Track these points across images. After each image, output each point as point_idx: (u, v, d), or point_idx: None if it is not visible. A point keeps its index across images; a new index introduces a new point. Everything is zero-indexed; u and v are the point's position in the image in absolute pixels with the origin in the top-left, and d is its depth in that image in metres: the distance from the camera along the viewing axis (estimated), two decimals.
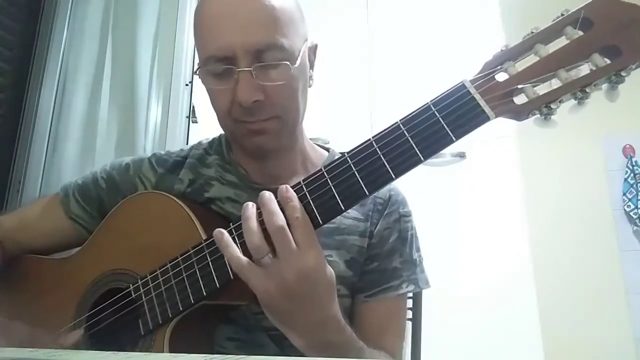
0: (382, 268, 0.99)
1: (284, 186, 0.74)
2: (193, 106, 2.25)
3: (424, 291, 1.42)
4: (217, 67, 0.86)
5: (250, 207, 0.74)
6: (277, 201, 0.73)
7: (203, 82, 0.91)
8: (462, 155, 2.32)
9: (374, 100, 2.51)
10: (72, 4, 2.49)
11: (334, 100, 2.47)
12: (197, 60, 0.97)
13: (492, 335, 2.08)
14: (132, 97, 2.31)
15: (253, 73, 0.83)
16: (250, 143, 0.92)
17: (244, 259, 0.72)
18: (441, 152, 2.06)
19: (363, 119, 2.47)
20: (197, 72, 0.91)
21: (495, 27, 2.38)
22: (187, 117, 2.26)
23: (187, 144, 2.18)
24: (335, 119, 2.32)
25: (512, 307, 2.15)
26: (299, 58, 0.89)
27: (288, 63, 0.86)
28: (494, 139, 2.31)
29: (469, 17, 2.46)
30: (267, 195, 0.74)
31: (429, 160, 2.04)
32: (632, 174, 2.57)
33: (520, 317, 2.14)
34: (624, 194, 2.57)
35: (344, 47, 2.60)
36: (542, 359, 2.10)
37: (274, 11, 0.86)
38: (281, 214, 0.71)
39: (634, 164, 2.58)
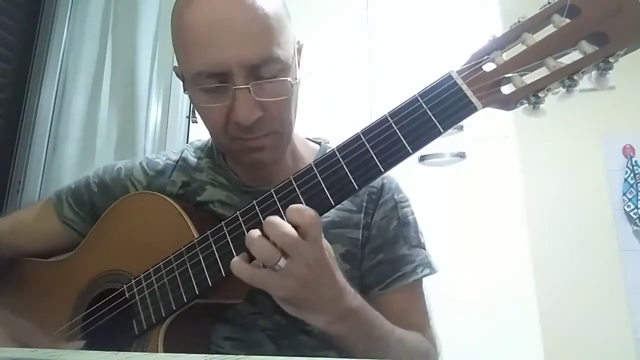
0: (389, 258, 0.97)
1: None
2: (193, 106, 2.25)
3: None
4: (209, 83, 0.81)
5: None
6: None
7: (192, 98, 0.87)
8: (462, 155, 2.31)
9: (374, 100, 2.51)
10: (72, 4, 2.50)
11: (334, 100, 2.47)
12: None
13: (492, 335, 2.07)
14: (132, 97, 2.32)
15: (251, 90, 0.79)
16: (248, 159, 0.89)
17: (253, 267, 0.71)
18: (441, 152, 2.06)
19: (363, 118, 2.46)
20: (187, 91, 0.86)
21: (495, 27, 2.38)
22: (187, 117, 2.27)
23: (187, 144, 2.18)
24: (335, 119, 2.32)
25: (512, 307, 2.14)
26: (294, 67, 0.88)
27: (289, 79, 0.84)
28: (494, 139, 2.30)
29: (469, 17, 2.46)
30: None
31: (429, 160, 2.04)
32: (632, 174, 2.56)
33: (520, 317, 2.13)
34: (624, 194, 2.56)
35: (344, 47, 2.60)
36: (542, 359, 2.09)
37: (269, 20, 0.81)
38: (285, 225, 0.69)
39: (634, 164, 2.57)
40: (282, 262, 0.69)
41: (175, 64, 0.94)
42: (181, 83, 0.93)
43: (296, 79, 0.88)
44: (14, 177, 2.29)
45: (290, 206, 0.70)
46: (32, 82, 2.40)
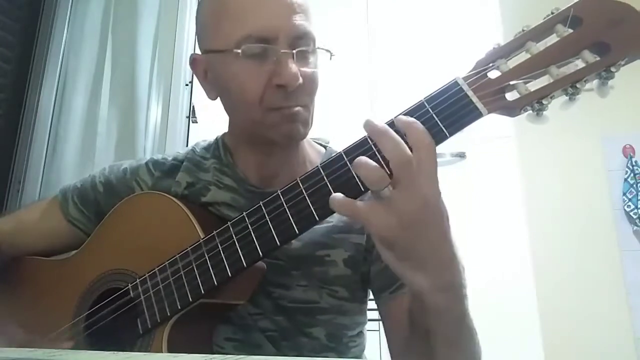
0: None
1: (401, 116, 0.69)
2: (193, 106, 2.25)
3: None
4: (254, 47, 0.83)
5: (377, 123, 0.69)
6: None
7: (231, 66, 0.86)
8: (462, 155, 2.32)
9: (374, 100, 2.52)
10: (72, 4, 2.50)
11: (334, 100, 2.47)
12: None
13: (492, 334, 2.07)
14: (132, 97, 2.32)
15: (294, 56, 0.84)
16: (281, 131, 0.88)
17: (353, 200, 0.67)
18: (441, 152, 2.07)
19: (363, 118, 2.47)
20: (236, 50, 0.84)
21: (495, 27, 2.38)
22: (187, 117, 2.26)
23: (187, 144, 2.18)
24: (335, 119, 2.32)
25: (512, 306, 2.15)
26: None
27: (329, 50, 0.90)
28: (494, 139, 2.31)
29: (469, 17, 2.47)
30: (381, 126, 0.68)
31: None
32: (632, 174, 2.56)
33: (520, 316, 2.14)
34: (624, 194, 2.56)
35: (344, 47, 2.60)
36: (542, 359, 2.10)
37: (306, 0, 0.88)
38: (405, 144, 0.65)
39: (634, 164, 2.57)
40: (388, 192, 0.65)
41: (190, 53, 0.96)
42: (181, 83, 0.94)
43: (333, 54, 0.92)
44: (14, 177, 2.30)
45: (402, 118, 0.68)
46: (32, 82, 2.40)
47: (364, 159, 0.66)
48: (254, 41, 0.83)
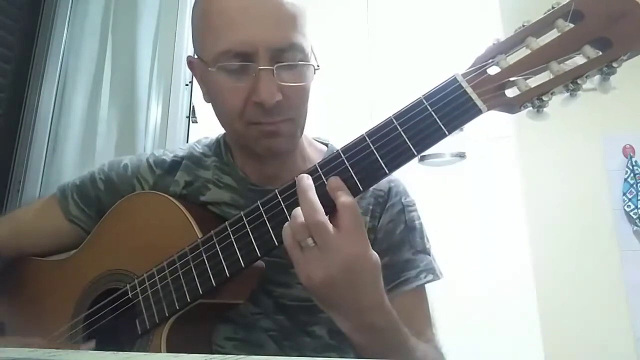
0: (393, 262, 0.95)
1: (333, 178, 0.72)
2: (193, 106, 2.24)
3: None
4: (233, 62, 0.82)
5: (305, 180, 0.71)
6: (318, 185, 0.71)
7: (213, 79, 0.86)
8: (462, 155, 2.32)
9: (374, 100, 2.51)
10: (72, 4, 2.49)
11: (334, 100, 2.47)
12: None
13: (492, 335, 2.08)
14: (132, 97, 2.31)
15: (274, 72, 0.81)
16: (262, 145, 0.89)
17: (295, 243, 0.69)
18: (441, 152, 2.07)
19: (363, 118, 2.48)
20: (211, 68, 0.85)
21: (495, 27, 2.38)
22: (187, 117, 2.26)
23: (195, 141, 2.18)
24: (335, 119, 2.32)
25: (512, 307, 2.14)
26: (312, 60, 0.89)
27: (312, 65, 0.87)
28: (494, 139, 2.31)
29: (469, 17, 2.47)
30: (306, 181, 0.71)
31: (429, 160, 2.04)
32: (632, 174, 2.56)
33: (520, 317, 2.14)
34: (624, 194, 2.55)
35: (344, 46, 2.60)
36: (542, 359, 2.10)
37: (295, 9, 0.84)
38: (320, 207, 0.68)
39: (634, 164, 2.57)
40: (311, 242, 0.68)
41: (190, 53, 0.95)
42: (181, 83, 0.94)
43: (318, 66, 0.89)
44: (14, 177, 2.29)
45: (333, 178, 0.71)
46: (32, 82, 2.39)
47: (297, 209, 0.69)
48: (233, 56, 0.82)
